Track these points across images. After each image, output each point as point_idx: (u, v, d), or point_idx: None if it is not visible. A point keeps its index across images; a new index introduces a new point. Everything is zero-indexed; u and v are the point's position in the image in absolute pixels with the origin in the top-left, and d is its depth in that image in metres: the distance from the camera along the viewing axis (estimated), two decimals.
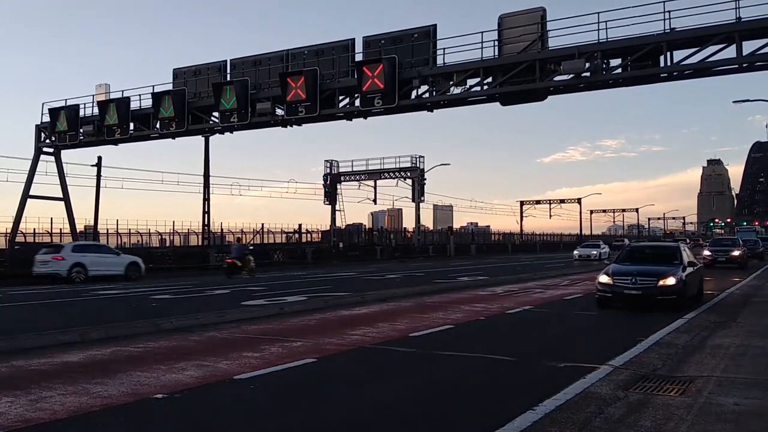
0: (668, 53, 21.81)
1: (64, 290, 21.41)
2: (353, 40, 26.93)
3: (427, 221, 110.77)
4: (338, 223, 58.72)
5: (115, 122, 31.11)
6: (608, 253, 46.12)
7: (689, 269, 14.45)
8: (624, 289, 13.67)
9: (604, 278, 14.21)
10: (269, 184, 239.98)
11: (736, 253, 33.61)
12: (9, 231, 36.23)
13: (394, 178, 58.06)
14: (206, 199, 37.23)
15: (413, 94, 25.91)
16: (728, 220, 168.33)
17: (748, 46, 20.98)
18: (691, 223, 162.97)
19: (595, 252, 47.82)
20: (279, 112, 28.13)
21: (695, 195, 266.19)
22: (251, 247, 32.60)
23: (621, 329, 11.60)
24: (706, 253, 33.70)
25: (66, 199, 36.21)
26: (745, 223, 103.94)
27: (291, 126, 29.04)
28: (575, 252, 50.99)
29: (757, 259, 38.89)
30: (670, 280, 13.40)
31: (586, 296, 17.04)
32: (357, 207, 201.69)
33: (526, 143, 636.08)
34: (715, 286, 19.38)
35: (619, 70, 23.09)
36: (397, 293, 18.12)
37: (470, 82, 25.25)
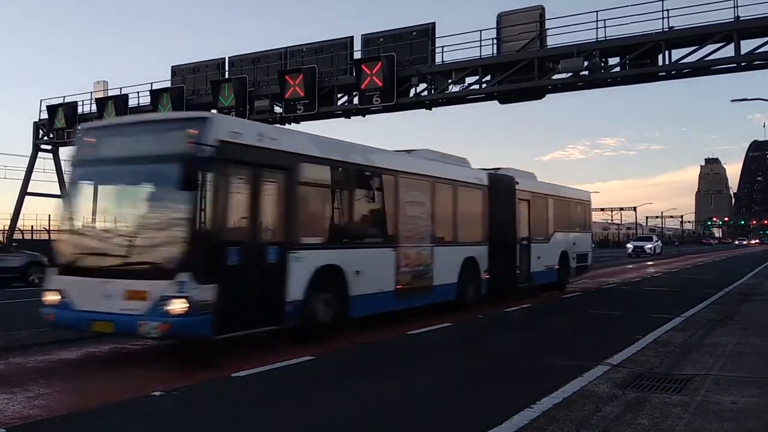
0: (667, 52, 21.76)
1: None
2: (352, 37, 26.87)
3: None
4: None
5: None
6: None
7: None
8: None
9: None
10: None
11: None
12: (7, 228, 36.16)
13: None
14: None
15: (412, 92, 25.82)
16: (726, 218, 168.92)
17: (747, 45, 20.92)
18: (688, 222, 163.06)
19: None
20: (277, 109, 28.04)
21: (694, 193, 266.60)
22: None
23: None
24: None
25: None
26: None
27: (289, 124, 28.95)
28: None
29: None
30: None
31: None
32: None
33: (524, 141, 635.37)
34: (713, 284, 19.40)
35: (618, 69, 23.03)
36: None
37: (469, 80, 25.18)
